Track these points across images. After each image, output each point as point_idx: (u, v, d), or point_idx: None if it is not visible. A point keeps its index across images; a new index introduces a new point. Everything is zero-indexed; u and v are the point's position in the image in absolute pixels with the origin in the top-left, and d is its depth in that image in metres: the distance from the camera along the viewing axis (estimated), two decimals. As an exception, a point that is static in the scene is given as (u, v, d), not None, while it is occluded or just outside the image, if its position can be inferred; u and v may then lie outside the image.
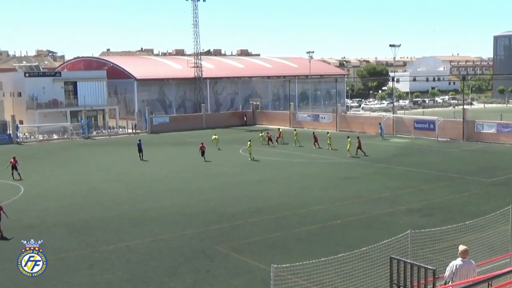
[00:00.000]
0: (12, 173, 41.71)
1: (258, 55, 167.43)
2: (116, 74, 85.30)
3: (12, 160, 42.47)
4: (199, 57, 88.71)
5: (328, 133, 57.27)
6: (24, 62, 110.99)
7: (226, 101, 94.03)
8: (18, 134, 70.66)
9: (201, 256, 22.93)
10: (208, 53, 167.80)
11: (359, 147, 49.90)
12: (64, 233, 26.94)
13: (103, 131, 78.84)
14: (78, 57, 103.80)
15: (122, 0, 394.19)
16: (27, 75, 78.58)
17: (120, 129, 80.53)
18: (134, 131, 79.06)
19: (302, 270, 17.74)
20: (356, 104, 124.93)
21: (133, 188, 37.71)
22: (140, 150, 50.84)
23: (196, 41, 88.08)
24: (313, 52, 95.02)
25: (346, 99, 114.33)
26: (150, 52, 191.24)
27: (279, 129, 63.28)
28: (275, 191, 35.91)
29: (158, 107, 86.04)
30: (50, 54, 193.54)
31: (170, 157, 52.16)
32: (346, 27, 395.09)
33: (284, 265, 17.69)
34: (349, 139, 50.29)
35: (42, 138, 72.76)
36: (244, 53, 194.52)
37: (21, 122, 73.64)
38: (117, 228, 27.63)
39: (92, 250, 24.09)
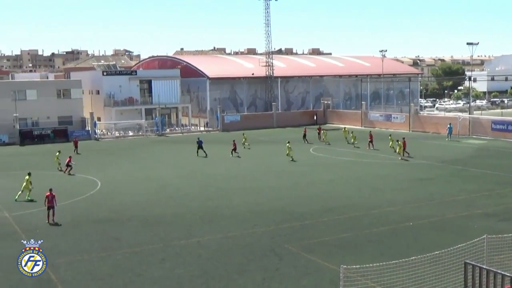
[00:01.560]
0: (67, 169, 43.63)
1: (330, 54, 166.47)
2: (189, 73, 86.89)
3: (68, 158, 44.26)
4: (271, 56, 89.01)
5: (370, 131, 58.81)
6: (102, 61, 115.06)
7: (297, 100, 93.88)
8: (96, 131, 73.40)
9: (271, 254, 23.05)
10: (279, 52, 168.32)
11: (404, 148, 48.47)
12: (138, 227, 27.74)
13: (176, 128, 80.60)
14: (153, 56, 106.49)
15: (196, 0, 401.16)
16: (105, 73, 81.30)
17: (193, 127, 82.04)
18: (206, 129, 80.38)
19: (372, 272, 17.55)
20: (430, 104, 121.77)
21: (205, 185, 38.33)
22: (199, 147, 52.33)
23: (268, 40, 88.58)
24: (386, 50, 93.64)
25: (419, 99, 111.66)
26: (222, 51, 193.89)
27: (370, 131, 60.48)
28: (346, 191, 35.60)
29: (230, 105, 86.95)
30: (126, 53, 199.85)
31: (241, 155, 52.63)
32: (420, 25, 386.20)
33: (354, 266, 17.57)
34: (398, 142, 48.75)
35: (118, 134, 75.21)
36: (316, 52, 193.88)
37: (98, 119, 76.36)
38: (189, 224, 28.19)
39: (164, 244, 24.69)
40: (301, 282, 19.92)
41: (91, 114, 73.57)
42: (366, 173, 41.82)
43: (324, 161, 48.16)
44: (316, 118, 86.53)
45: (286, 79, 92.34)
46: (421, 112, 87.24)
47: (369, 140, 54.86)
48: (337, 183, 38.37)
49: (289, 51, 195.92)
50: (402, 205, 31.30)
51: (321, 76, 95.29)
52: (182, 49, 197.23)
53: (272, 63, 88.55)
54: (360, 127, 78.21)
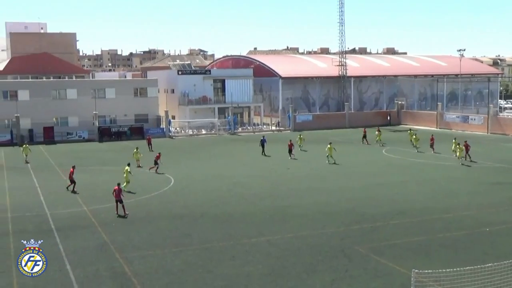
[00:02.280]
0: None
1: (405, 53, 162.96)
2: (262, 72, 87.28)
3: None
4: (344, 55, 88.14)
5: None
6: (177, 61, 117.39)
7: (370, 100, 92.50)
8: (170, 129, 75.07)
9: (340, 255, 22.82)
10: (353, 51, 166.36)
11: (467, 152, 46.47)
12: (209, 224, 28.14)
13: (248, 127, 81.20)
14: (226, 56, 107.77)
15: (270, 0, 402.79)
16: (180, 73, 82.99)
17: (264, 126, 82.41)
18: (277, 128, 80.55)
19: (446, 277, 17.07)
20: (510, 105, 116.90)
21: (276, 185, 38.41)
22: (262, 146, 52.83)
23: (342, 40, 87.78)
24: (464, 50, 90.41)
25: (499, 100, 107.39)
26: (295, 50, 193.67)
27: (432, 135, 57.72)
28: (419, 193, 34.74)
29: (302, 105, 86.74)
30: (201, 53, 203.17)
31: (312, 155, 52.41)
32: (501, 23, 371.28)
33: (426, 271, 17.13)
34: (459, 146, 46.52)
35: (191, 132, 76.62)
36: (390, 51, 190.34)
37: (173, 117, 78.05)
38: (259, 222, 28.32)
39: (234, 242, 24.92)
40: (370, 285, 19.61)
41: (166, 112, 75.27)
42: (440, 176, 40.67)
43: (396, 163, 47.23)
44: (390, 118, 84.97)
45: (359, 78, 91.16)
46: (501, 114, 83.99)
47: (430, 142, 53.06)
48: (410, 185, 37.51)
49: (363, 51, 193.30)
50: (478, 209, 30.24)
51: (396, 76, 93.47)
52: (255, 48, 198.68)
53: (345, 62, 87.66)
54: (435, 129, 76.12)
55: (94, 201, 33.42)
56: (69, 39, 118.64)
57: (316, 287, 19.49)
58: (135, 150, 47.95)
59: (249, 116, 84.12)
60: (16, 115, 68.22)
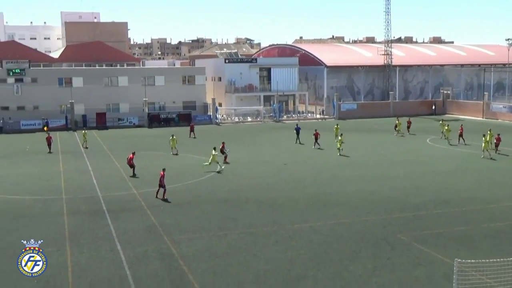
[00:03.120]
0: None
1: (452, 42, 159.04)
2: (307, 61, 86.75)
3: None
4: (390, 44, 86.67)
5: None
6: (224, 49, 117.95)
7: (416, 90, 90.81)
8: (217, 116, 75.59)
9: (383, 243, 22.63)
10: (399, 40, 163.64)
11: (497, 145, 44.25)
12: (254, 209, 28.31)
13: (293, 115, 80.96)
14: (272, 45, 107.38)
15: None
16: (227, 61, 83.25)
17: (309, 114, 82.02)
18: (322, 116, 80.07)
19: (489, 268, 16.75)
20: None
21: (319, 172, 38.29)
22: (297, 134, 52.30)
23: (387, 29, 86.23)
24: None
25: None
26: (340, 39, 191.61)
27: (461, 125, 55.08)
28: (463, 183, 34.08)
29: (346, 93, 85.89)
30: (248, 41, 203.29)
31: (356, 143, 51.94)
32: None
33: (469, 261, 16.85)
34: (484, 137, 43.22)
35: (237, 120, 76.96)
36: (437, 40, 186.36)
37: (220, 105, 78.53)
38: (302, 208, 28.32)
39: (278, 227, 25.01)
40: (413, 273, 19.41)
41: (213, 100, 75.75)
42: (485, 166, 39.74)
43: (441, 152, 46.34)
44: (435, 108, 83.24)
45: (404, 68, 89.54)
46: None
47: (459, 132, 50.62)
48: (454, 175, 36.80)
49: (408, 40, 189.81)
50: (524, 200, 29.43)
51: (442, 65, 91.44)
52: (301, 37, 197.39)
53: (391, 51, 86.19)
54: (481, 118, 74.33)
55: (144, 185, 34.03)
56: (121, 28, 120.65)
57: (358, 273, 19.42)
58: (171, 137, 47.94)
59: (294, 104, 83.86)
60: (70, 101, 69.94)
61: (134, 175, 36.81)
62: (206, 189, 33.04)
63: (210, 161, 38.22)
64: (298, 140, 52.38)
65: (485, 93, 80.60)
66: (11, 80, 71.42)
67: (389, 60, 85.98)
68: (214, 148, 39.16)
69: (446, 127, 52.86)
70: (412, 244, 22.42)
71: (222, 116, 78.31)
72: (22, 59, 73.56)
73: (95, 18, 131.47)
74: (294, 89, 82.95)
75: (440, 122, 57.95)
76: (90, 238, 23.61)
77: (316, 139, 49.47)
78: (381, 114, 78.60)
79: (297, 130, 53.06)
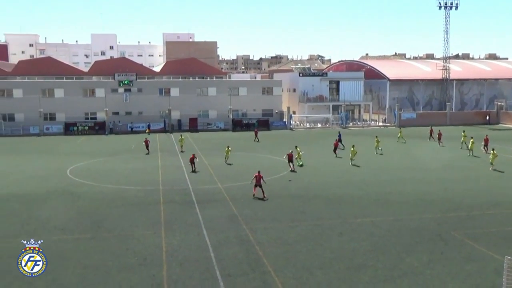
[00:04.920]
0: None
1: (506, 58, 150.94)
2: (372, 75, 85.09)
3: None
4: (448, 60, 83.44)
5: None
6: (299, 65, 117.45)
7: (471, 101, 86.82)
8: (291, 122, 75.48)
9: (437, 239, 21.74)
10: (456, 57, 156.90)
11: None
12: (321, 204, 27.99)
13: (358, 123, 79.62)
14: (341, 61, 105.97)
15: (380, 10, 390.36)
16: (300, 75, 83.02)
17: (372, 122, 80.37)
18: (384, 124, 78.21)
19: (538, 266, 15.66)
20: None
21: (379, 173, 37.37)
22: (340, 141, 49.88)
23: (446, 46, 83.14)
24: None
25: None
26: (402, 56, 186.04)
27: (486, 135, 49.73)
28: (515, 187, 32.16)
29: (407, 104, 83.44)
30: (319, 57, 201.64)
31: (413, 149, 50.27)
32: None
33: (519, 259, 15.84)
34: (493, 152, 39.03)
35: (308, 126, 76.53)
36: (492, 57, 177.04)
37: (293, 113, 78.37)
38: (364, 205, 27.73)
39: (342, 220, 24.60)
40: (464, 267, 18.52)
41: (288, 108, 75.81)
42: (537, 172, 37.34)
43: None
44: (489, 118, 79.31)
45: (461, 81, 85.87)
46: None
47: (483, 144, 46.92)
48: (507, 179, 34.82)
49: (465, 56, 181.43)
50: None
51: (496, 80, 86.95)
52: (367, 54, 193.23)
53: (448, 67, 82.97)
54: (534, 128, 70.05)
55: (227, 180, 34.46)
56: (212, 46, 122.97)
57: (413, 265, 18.75)
58: (180, 137, 50.19)
59: (359, 113, 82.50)
60: (168, 108, 72.08)
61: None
62: (280, 185, 33.02)
63: (297, 157, 39.70)
64: (341, 146, 49.38)
65: (538, 105, 75.88)
66: (121, 90, 74.56)
67: (447, 75, 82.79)
68: (296, 147, 40.41)
69: (471, 141, 46.56)
70: (465, 241, 21.40)
71: (296, 122, 78.14)
72: (130, 73, 76.62)
73: (191, 38, 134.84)
74: (359, 100, 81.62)
75: (462, 133, 52.80)
76: (181, 224, 24.16)
77: (335, 148, 45.95)
78: (439, 122, 75.62)
79: (339, 136, 51.62)
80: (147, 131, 68.33)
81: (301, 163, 40.04)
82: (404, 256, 19.66)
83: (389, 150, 48.91)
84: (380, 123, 79.20)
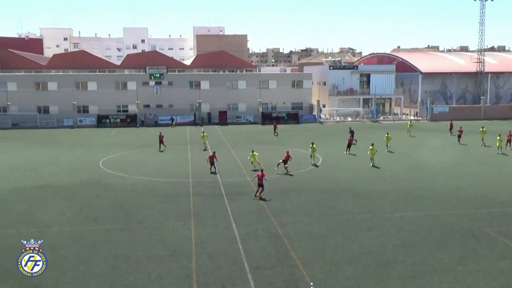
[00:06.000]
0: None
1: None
2: (403, 68, 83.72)
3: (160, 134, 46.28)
4: (483, 53, 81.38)
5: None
6: (329, 58, 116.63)
7: (507, 95, 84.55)
8: (321, 115, 75.01)
9: (469, 235, 21.34)
10: (492, 49, 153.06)
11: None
12: (350, 198, 27.78)
13: (389, 116, 78.59)
14: (372, 53, 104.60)
15: (413, 2, 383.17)
16: (331, 68, 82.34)
17: (403, 116, 79.18)
18: (415, 118, 76.96)
19: None
20: None
21: (411, 168, 36.83)
22: (352, 136, 47.89)
23: (481, 38, 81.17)
24: None
25: None
26: (435, 48, 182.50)
27: (510, 131, 46.74)
28: (551, 184, 31.25)
29: (439, 97, 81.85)
30: (350, 51, 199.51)
31: (446, 143, 49.35)
32: None
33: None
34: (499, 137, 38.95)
35: (339, 119, 75.92)
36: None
37: (323, 106, 77.85)
38: (394, 200, 27.39)
39: (372, 215, 24.38)
40: (497, 265, 18.13)
41: (318, 101, 75.30)
42: None
43: (530, 154, 42.77)
44: (525, 112, 77.15)
45: (496, 74, 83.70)
46: None
47: (507, 139, 45.03)
48: (542, 176, 33.86)
49: (501, 48, 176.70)
50: None
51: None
52: (398, 47, 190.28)
53: (483, 59, 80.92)
54: None
55: (256, 173, 34.43)
56: (242, 39, 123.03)
57: (444, 261, 18.47)
58: (202, 134, 48.15)
59: (390, 106, 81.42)
60: (198, 101, 72.60)
61: (213, 172, 34.64)
62: (309, 179, 32.91)
63: (311, 154, 38.16)
64: (354, 141, 47.37)
65: None
66: (152, 83, 75.39)
67: (482, 67, 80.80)
68: (312, 143, 38.72)
69: (498, 137, 43.82)
70: (498, 238, 20.94)
71: (326, 116, 77.57)
72: (161, 66, 77.36)
73: (221, 31, 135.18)
74: (390, 93, 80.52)
75: (481, 129, 49.39)
76: (210, 216, 24.36)
77: (349, 145, 43.74)
78: (472, 117, 74.12)
79: (352, 132, 49.22)
80: (173, 124, 68.90)
81: (312, 162, 37.83)
82: (435, 252, 19.38)
83: (422, 143, 48.08)
84: (412, 117, 77.93)
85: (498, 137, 43.33)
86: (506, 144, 44.90)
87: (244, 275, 17.31)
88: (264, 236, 21.37)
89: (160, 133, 48.06)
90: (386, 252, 19.44)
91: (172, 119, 70.71)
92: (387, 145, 44.97)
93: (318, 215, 24.49)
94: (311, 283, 15.60)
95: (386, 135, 46.15)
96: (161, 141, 46.09)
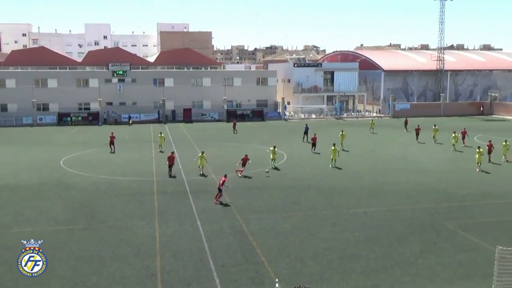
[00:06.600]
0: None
1: (501, 49, 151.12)
2: (366, 66, 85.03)
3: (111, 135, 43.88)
4: (442, 51, 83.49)
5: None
6: (294, 55, 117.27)
7: (465, 92, 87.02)
8: (286, 113, 75.43)
9: (429, 229, 21.90)
10: (451, 47, 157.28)
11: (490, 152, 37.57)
12: (314, 195, 28.07)
13: (352, 113, 79.71)
14: (336, 51, 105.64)
15: (376, 0, 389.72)
16: (295, 65, 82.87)
17: (366, 113, 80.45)
18: (378, 115, 78.35)
19: (529, 256, 15.82)
20: None
21: (374, 164, 37.47)
22: (306, 133, 49.01)
23: (441, 37, 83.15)
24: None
25: None
26: (397, 47, 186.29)
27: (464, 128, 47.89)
28: (508, 178, 32.36)
29: (401, 95, 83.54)
30: (314, 48, 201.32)
31: (406, 139, 50.46)
32: None
33: (510, 248, 16.01)
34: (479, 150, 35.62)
35: (303, 116, 76.53)
36: (487, 47, 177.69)
37: (288, 103, 78.29)
38: (358, 196, 27.84)
39: (335, 211, 24.71)
40: (456, 257, 18.68)
41: (283, 99, 75.69)
42: (529, 163, 37.56)
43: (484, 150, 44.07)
44: (483, 109, 79.61)
45: (455, 72, 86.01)
46: None
47: (461, 136, 45.58)
48: (498, 170, 35.03)
49: (460, 47, 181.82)
50: None
51: (490, 70, 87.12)
52: (361, 45, 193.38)
53: (443, 57, 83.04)
54: (527, 119, 70.47)
55: (221, 171, 34.20)
56: (206, 36, 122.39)
57: (406, 255, 18.90)
58: (159, 135, 45.02)
59: (353, 103, 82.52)
60: (162, 98, 71.82)
61: (171, 175, 32.78)
62: (274, 176, 33.06)
63: (272, 157, 35.84)
64: (305, 138, 48.47)
65: (531, 95, 76.22)
66: (115, 80, 74.13)
67: (441, 65, 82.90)
68: (274, 147, 36.57)
69: (453, 135, 44.50)
70: (457, 231, 21.57)
71: (290, 113, 78.09)
72: (124, 63, 76.08)
73: (185, 28, 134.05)
74: (354, 90, 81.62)
75: (433, 127, 50.28)
76: (175, 214, 24.19)
77: (314, 144, 43.01)
78: (432, 113, 76.11)
79: (306, 130, 49.88)
80: (129, 122, 67.77)
81: (273, 166, 35.73)
82: (397, 246, 19.80)
83: (385, 140, 48.96)
84: (374, 114, 79.31)
85: (453, 134, 44.47)
86: (462, 142, 45.63)
87: (210, 273, 17.27)
88: (229, 233, 21.37)
89: (112, 133, 45.27)
90: (349, 247, 19.74)
91: (129, 117, 69.54)
92: (341, 143, 44.57)
93: (283, 211, 24.65)
94: (276, 280, 15.68)
95: (341, 132, 46.23)
96: (111, 142, 43.37)
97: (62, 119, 68.69)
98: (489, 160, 36.75)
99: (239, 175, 32.59)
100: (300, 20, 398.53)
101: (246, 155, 33.79)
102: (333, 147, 36.56)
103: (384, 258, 18.56)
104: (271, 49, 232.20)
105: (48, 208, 25.49)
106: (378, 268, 17.65)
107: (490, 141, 39.63)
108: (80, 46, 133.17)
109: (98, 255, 18.97)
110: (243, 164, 33.32)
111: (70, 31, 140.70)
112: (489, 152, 37.77)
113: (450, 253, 19.05)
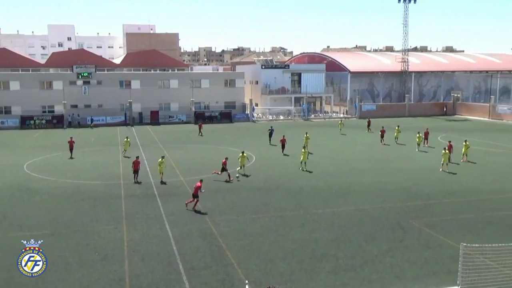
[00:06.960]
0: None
1: (462, 51, 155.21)
2: (333, 67, 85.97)
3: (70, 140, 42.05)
4: (407, 53, 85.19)
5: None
6: (261, 57, 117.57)
7: (429, 93, 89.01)
8: (254, 114, 75.58)
9: (396, 227, 22.30)
10: (415, 49, 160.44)
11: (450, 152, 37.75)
12: (283, 195, 28.21)
13: (320, 114, 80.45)
14: (303, 53, 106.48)
15: (341, 3, 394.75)
16: (263, 67, 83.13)
17: (334, 114, 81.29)
18: (345, 116, 79.33)
19: (491, 251, 16.32)
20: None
21: (341, 165, 37.92)
22: (270, 136, 48.85)
23: (405, 39, 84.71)
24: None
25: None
26: (363, 48, 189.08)
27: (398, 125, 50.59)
28: (470, 176, 33.28)
29: (367, 96, 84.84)
30: (281, 50, 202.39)
31: (373, 140, 51.27)
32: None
33: (474, 245, 16.46)
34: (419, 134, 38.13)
35: (271, 118, 76.81)
36: (449, 49, 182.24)
37: (256, 105, 78.49)
38: (326, 196, 28.11)
39: (304, 212, 24.89)
40: (422, 254, 19.07)
41: (251, 100, 75.87)
42: (491, 161, 38.71)
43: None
44: (446, 109, 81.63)
45: (419, 74, 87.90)
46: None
47: (424, 136, 46.26)
48: (461, 169, 35.94)
49: (423, 49, 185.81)
50: (525, 192, 28.52)
51: (453, 72, 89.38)
52: (328, 46, 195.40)
53: (407, 59, 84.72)
54: (488, 119, 72.57)
55: (189, 173, 34.28)
56: (173, 38, 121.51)
57: (373, 253, 19.18)
58: (125, 140, 43.32)
59: (320, 104, 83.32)
60: (129, 100, 70.97)
61: (136, 181, 31.57)
62: (242, 178, 33.06)
63: (240, 163, 34.44)
64: (270, 141, 48.38)
65: (491, 96, 78.57)
66: (80, 82, 72.85)
67: (406, 67, 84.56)
68: (243, 152, 35.13)
69: (418, 135, 45.21)
70: (423, 229, 22.02)
71: (258, 114, 78.28)
72: (89, 65, 74.84)
73: (152, 29, 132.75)
74: (321, 92, 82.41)
75: (396, 128, 50.42)
76: (143, 218, 23.93)
77: (283, 146, 42.81)
78: (398, 114, 77.72)
79: (271, 132, 49.38)
80: (91, 126, 66.61)
81: (242, 172, 34.07)
82: (364, 245, 20.08)
83: (352, 141, 49.59)
84: (341, 115, 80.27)
85: (418, 135, 45.36)
86: (424, 142, 46.37)
87: (179, 276, 17.15)
88: (198, 236, 21.27)
89: (71, 138, 43.24)
90: (318, 247, 19.91)
91: (92, 120, 68.39)
92: (306, 145, 42.97)
93: (252, 213, 24.68)
94: (246, 281, 15.69)
95: (305, 134, 45.98)
96: (71, 148, 41.79)
97: (25, 122, 67.08)
98: (449, 160, 36.93)
99: (218, 173, 32.16)
100: (267, 22, 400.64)
101: (226, 158, 33.14)
102: (303, 149, 36.32)
103: (353, 257, 18.80)
104: (239, 51, 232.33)
105: (11, 214, 24.83)
106: (347, 267, 17.87)
107: (449, 141, 40.40)
108: (43, 47, 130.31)
109: (64, 261, 18.59)
110: (223, 169, 32.21)
111: (32, 32, 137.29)
112: (449, 152, 38.33)
113: (416, 251, 19.43)
